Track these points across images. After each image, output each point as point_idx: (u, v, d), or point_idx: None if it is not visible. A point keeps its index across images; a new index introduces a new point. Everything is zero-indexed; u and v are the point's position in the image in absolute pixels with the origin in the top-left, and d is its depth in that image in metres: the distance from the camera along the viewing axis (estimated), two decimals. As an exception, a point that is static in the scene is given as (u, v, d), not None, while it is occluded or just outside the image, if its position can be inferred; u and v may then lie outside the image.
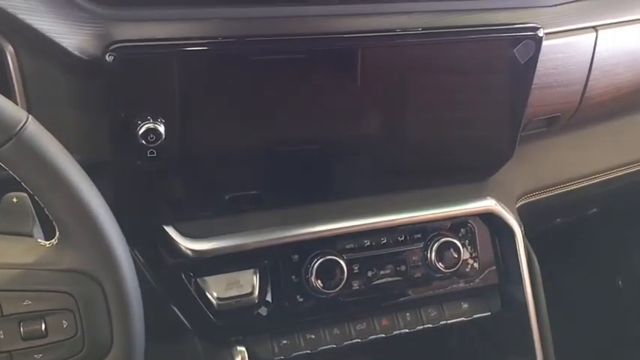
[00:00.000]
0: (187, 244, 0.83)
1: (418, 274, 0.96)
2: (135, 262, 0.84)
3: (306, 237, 0.89)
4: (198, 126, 0.77)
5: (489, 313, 1.03)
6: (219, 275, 0.86)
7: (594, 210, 1.35)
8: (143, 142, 0.73)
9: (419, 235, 0.97)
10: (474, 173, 0.99)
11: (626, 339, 1.64)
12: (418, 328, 0.98)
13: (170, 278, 0.86)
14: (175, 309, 0.87)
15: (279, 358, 0.90)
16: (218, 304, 0.85)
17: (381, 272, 0.94)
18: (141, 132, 0.73)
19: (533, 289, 1.02)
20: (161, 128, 0.73)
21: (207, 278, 0.86)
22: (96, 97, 0.73)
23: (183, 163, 0.79)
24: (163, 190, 0.82)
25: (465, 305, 1.01)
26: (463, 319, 1.01)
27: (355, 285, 0.93)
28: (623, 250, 1.67)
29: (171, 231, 0.83)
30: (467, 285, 1.00)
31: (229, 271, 0.87)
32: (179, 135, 0.77)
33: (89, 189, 0.56)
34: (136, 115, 0.72)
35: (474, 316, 1.01)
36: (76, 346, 0.54)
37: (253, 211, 0.88)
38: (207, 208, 0.86)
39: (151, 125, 0.73)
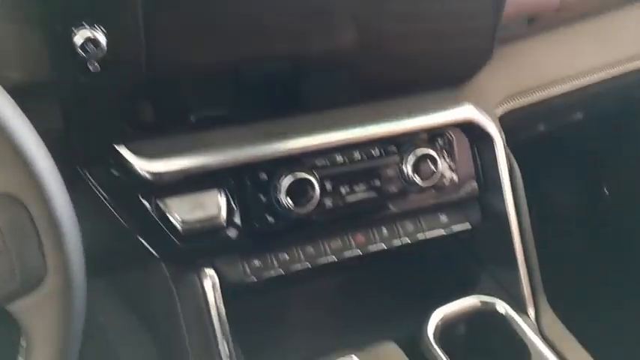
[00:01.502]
0: (143, 165, 0.77)
1: (394, 189, 0.92)
2: (90, 186, 0.81)
3: (275, 154, 0.84)
4: (150, 36, 0.70)
5: (469, 226, 0.99)
6: (182, 197, 0.81)
7: (578, 116, 1.30)
8: (82, 53, 0.67)
9: (394, 148, 0.92)
10: (452, 78, 0.93)
11: (612, 247, 1.65)
12: (395, 243, 0.95)
13: (128, 202, 0.81)
14: (138, 235, 0.82)
15: (250, 279, 0.87)
16: (182, 228, 0.80)
17: (356, 189, 0.90)
18: (79, 42, 0.66)
19: (515, 199, 0.98)
20: (101, 37, 0.67)
21: (168, 200, 0.80)
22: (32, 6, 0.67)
23: (133, 79, 0.73)
24: (113, 107, 0.76)
25: (444, 218, 0.98)
26: (442, 232, 0.97)
27: (328, 203, 0.88)
28: (608, 158, 1.65)
29: (124, 151, 0.78)
30: (445, 198, 0.96)
31: (193, 192, 0.82)
32: (125, 46, 0.70)
33: (6, 104, 0.49)
34: (69, 21, 0.66)
35: (453, 228, 0.98)
36: (6, 275, 0.50)
37: (216, 127, 0.83)
38: (162, 126, 0.80)
39: (88, 33, 0.66)
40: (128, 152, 0.78)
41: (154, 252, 0.83)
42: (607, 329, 1.32)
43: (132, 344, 1.20)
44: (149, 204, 0.80)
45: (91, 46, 0.67)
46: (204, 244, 0.82)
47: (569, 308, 1.00)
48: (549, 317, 0.96)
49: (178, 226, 0.80)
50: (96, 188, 0.81)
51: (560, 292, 1.04)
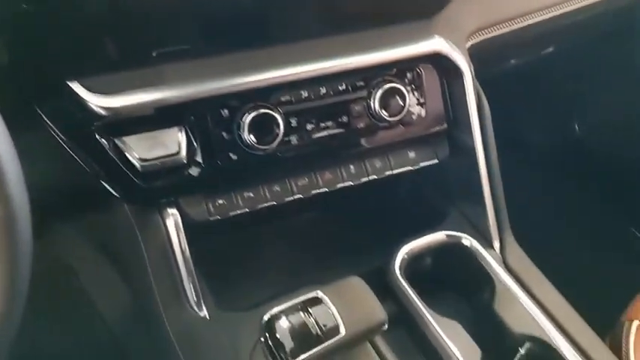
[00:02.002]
0: (97, 101, 0.74)
1: (362, 125, 0.90)
2: (44, 125, 0.78)
3: (236, 88, 0.81)
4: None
5: (437, 161, 0.99)
6: (141, 135, 0.78)
7: (549, 49, 1.28)
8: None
9: (361, 83, 0.89)
10: (421, 9, 0.90)
11: (581, 183, 1.67)
12: (363, 180, 0.94)
13: (85, 141, 0.78)
14: (97, 175, 0.80)
15: (215, 218, 0.85)
16: (142, 166, 0.78)
17: (322, 125, 0.88)
18: None
19: (483, 135, 0.97)
20: None
21: (126, 138, 0.78)
22: None
23: (77, 9, 0.69)
24: (61, 41, 0.72)
25: (412, 154, 0.97)
26: (409, 168, 0.97)
27: (293, 140, 0.86)
28: (579, 94, 1.64)
29: (77, 87, 0.74)
30: (413, 133, 0.94)
31: (152, 130, 0.79)
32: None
33: None
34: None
35: (421, 164, 0.97)
36: None
37: (175, 61, 0.79)
38: (119, 60, 0.76)
39: None
40: (81, 88, 0.75)
41: (114, 192, 0.81)
42: (571, 261, 1.36)
43: (104, 286, 1.20)
44: (107, 142, 0.78)
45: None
46: (165, 182, 0.80)
47: (534, 241, 1.02)
48: (514, 250, 0.97)
49: (137, 165, 0.78)
50: (52, 128, 0.78)
51: (526, 225, 1.05)
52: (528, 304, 0.89)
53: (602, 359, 0.83)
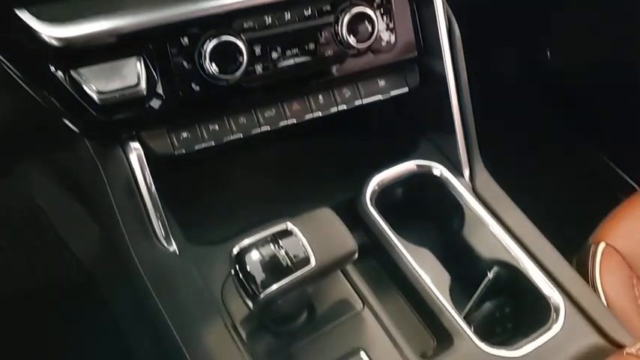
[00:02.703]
0: (49, 32, 0.70)
1: (329, 52, 0.87)
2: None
3: (196, 14, 0.77)
4: None
5: (407, 89, 0.97)
6: (97, 66, 0.75)
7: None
8: None
9: (328, 8, 0.86)
10: None
11: (551, 114, 1.67)
12: (332, 110, 0.92)
13: (39, 74, 0.74)
14: (54, 110, 0.76)
15: (179, 152, 0.83)
16: (100, 99, 0.75)
17: (287, 53, 0.85)
18: None
19: (454, 61, 0.95)
20: None
21: (82, 70, 0.74)
22: None
23: None
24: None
25: (382, 82, 0.95)
26: (379, 97, 0.95)
27: (258, 69, 0.83)
28: (552, 21, 1.62)
29: (26, 16, 0.70)
30: (383, 61, 0.92)
31: (109, 61, 0.75)
32: None
33: None
34: None
35: (391, 93, 0.95)
36: None
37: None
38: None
39: None
40: (31, 17, 0.71)
41: (73, 127, 0.78)
42: (541, 187, 1.38)
43: (73, 223, 1.18)
44: (62, 75, 0.74)
45: None
46: (125, 116, 0.77)
47: (504, 169, 1.02)
48: (484, 178, 0.97)
49: (95, 98, 0.75)
50: (4, 62, 0.74)
51: (496, 153, 1.06)
52: (497, 229, 0.90)
53: (568, 281, 0.85)
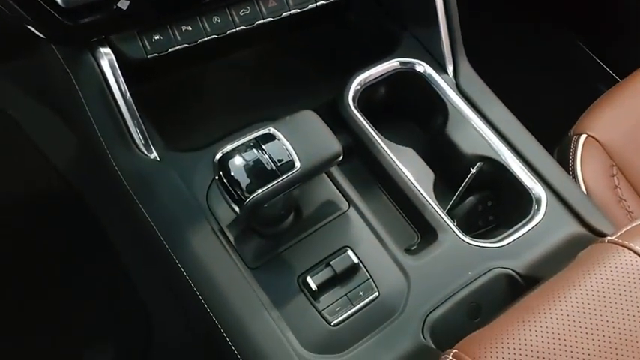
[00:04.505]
0: None
1: (306, -56, 0.82)
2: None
3: None
4: None
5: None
6: (57, -35, 0.69)
7: None
8: None
9: None
10: None
11: (530, 6, 1.62)
12: (310, 6, 0.87)
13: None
14: (17, 16, 0.71)
15: (152, 55, 0.80)
16: (64, 1, 0.70)
17: (262, -57, 0.80)
18: None
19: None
20: None
21: (40, -31, 0.69)
22: None
23: None
24: None
25: (362, -25, 0.90)
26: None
27: (231, -38, 0.78)
28: None
29: None
30: (363, -49, 0.87)
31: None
32: None
33: None
34: None
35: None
36: None
37: None
38: None
39: None
40: None
41: (39, 34, 0.74)
42: (523, 81, 1.36)
43: (49, 133, 1.15)
44: None
45: None
46: (92, 19, 0.73)
47: (487, 64, 1.00)
48: (467, 73, 0.95)
49: (59, 1, 0.70)
50: None
51: (479, 48, 1.03)
52: (480, 125, 0.90)
53: (550, 173, 0.86)
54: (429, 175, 0.88)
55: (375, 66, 0.93)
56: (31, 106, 1.10)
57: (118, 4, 0.74)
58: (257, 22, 0.85)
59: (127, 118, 0.78)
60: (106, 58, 0.77)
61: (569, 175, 0.93)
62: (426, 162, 0.89)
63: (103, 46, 0.77)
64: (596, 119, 1.00)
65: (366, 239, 0.79)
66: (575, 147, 0.97)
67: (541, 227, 0.81)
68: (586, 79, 1.52)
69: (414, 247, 0.83)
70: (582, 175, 0.93)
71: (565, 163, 0.96)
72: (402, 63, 0.94)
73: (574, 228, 0.82)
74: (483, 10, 1.49)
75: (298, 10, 0.87)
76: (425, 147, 0.92)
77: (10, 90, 1.14)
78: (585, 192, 0.93)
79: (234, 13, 0.83)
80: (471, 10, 1.27)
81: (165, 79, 0.92)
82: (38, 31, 0.74)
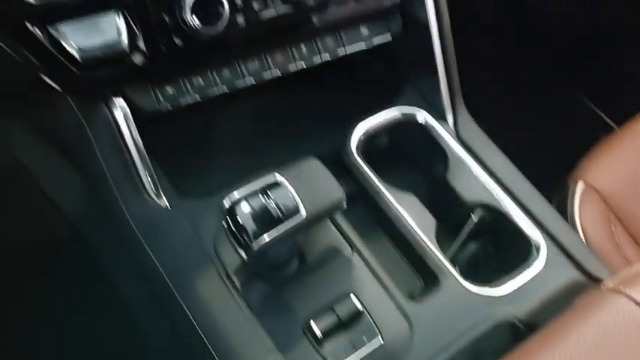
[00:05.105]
0: (22, -13, 0.68)
1: (311, 1, 0.86)
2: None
3: None
4: None
5: (390, 37, 0.96)
6: (76, 21, 0.73)
7: None
8: None
9: (309, -44, 0.85)
10: None
11: (530, 55, 1.67)
12: (315, 60, 0.92)
13: (16, 32, 0.73)
14: (35, 68, 0.75)
15: (165, 107, 0.83)
16: (81, 56, 0.74)
17: (269, 3, 0.84)
18: None
19: (437, 8, 0.95)
20: None
21: (61, 26, 0.73)
22: None
23: None
24: None
25: (364, 30, 0.94)
26: (362, 45, 0.94)
27: (240, 21, 0.82)
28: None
29: (-4, -28, 0.68)
30: (365, 8, 0.91)
31: (88, 16, 0.74)
32: None
33: None
34: None
35: (374, 41, 0.95)
36: None
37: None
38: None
39: None
40: None
41: (55, 85, 0.77)
42: (521, 129, 1.39)
43: (59, 182, 1.17)
44: (40, 32, 0.73)
45: None
46: (108, 72, 0.77)
47: (486, 112, 1.03)
48: (467, 122, 0.98)
49: (76, 55, 0.74)
50: None
51: (479, 98, 1.06)
52: (480, 173, 0.93)
53: (548, 220, 0.88)
54: (431, 222, 0.90)
55: (377, 115, 0.97)
56: (41, 152, 1.14)
57: (133, 59, 0.78)
58: (265, 76, 0.89)
59: (138, 166, 0.81)
60: (120, 110, 0.80)
61: (568, 222, 0.95)
62: (427, 208, 0.92)
63: (117, 97, 0.80)
64: (593, 167, 1.03)
65: (369, 285, 0.81)
66: (573, 195, 0.99)
67: (541, 274, 0.83)
68: (585, 127, 1.55)
69: (416, 293, 0.84)
70: (581, 222, 0.95)
71: (564, 210, 0.98)
72: (403, 113, 0.98)
73: (573, 275, 0.83)
74: (485, 58, 1.54)
75: (304, 65, 0.91)
76: (427, 193, 0.94)
77: (19, 136, 1.17)
78: (584, 239, 0.95)
79: (243, 66, 0.87)
80: (472, 59, 1.32)
81: (174, 125, 0.96)
82: (54, 82, 0.78)
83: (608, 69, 1.55)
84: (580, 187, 1.00)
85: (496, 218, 0.89)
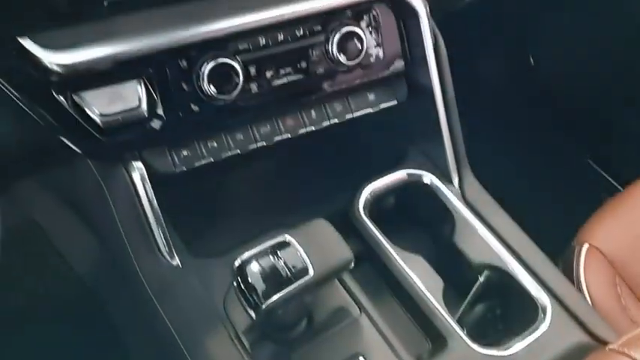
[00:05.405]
0: (51, 58, 0.73)
1: (321, 70, 0.91)
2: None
3: (193, 39, 0.80)
4: None
5: (396, 102, 1.01)
6: (99, 89, 0.78)
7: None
8: None
9: (319, 28, 0.90)
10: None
11: (537, 119, 1.72)
12: (324, 124, 0.95)
13: (42, 99, 0.77)
14: (57, 133, 0.79)
15: (180, 169, 0.86)
16: (102, 122, 0.78)
17: (281, 71, 0.89)
18: None
19: (440, 74, 0.99)
20: None
21: (84, 94, 0.77)
22: None
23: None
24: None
25: (371, 96, 0.98)
26: (369, 110, 0.98)
27: (254, 88, 0.87)
28: (533, 27, 1.66)
29: (28, 44, 0.72)
30: (372, 76, 0.96)
31: (110, 84, 0.78)
32: None
33: None
34: None
35: (381, 106, 0.99)
36: None
37: (127, 12, 0.78)
38: (71, 12, 0.74)
39: None
40: (33, 45, 0.73)
41: (76, 149, 0.81)
42: (527, 191, 1.42)
43: (73, 241, 1.20)
44: (65, 99, 0.77)
45: None
46: (127, 137, 0.81)
47: (492, 174, 1.06)
48: (472, 185, 1.01)
49: (98, 121, 0.78)
50: (6, 87, 0.77)
51: (484, 159, 1.09)
52: (486, 235, 0.94)
53: (554, 282, 0.88)
54: (438, 283, 0.91)
55: (384, 177, 0.99)
56: (58, 212, 1.17)
57: (151, 124, 0.82)
58: (276, 139, 0.92)
59: (153, 226, 0.83)
60: (138, 172, 0.83)
61: (574, 284, 0.96)
62: (435, 269, 0.93)
63: (135, 160, 0.84)
64: (597, 229, 1.04)
65: (377, 346, 0.81)
66: (579, 257, 1.00)
67: (547, 335, 0.83)
68: (590, 188, 1.57)
69: (424, 355, 0.84)
70: (586, 284, 0.96)
71: (569, 272, 0.99)
72: (409, 175, 1.01)
73: (579, 336, 0.83)
74: (490, 119, 1.59)
75: (313, 128, 0.95)
76: (434, 254, 0.95)
77: (37, 196, 1.20)
78: (589, 300, 0.95)
79: (255, 130, 0.91)
80: (482, 120, 1.36)
81: (187, 185, 0.99)
82: (74, 145, 0.81)
83: (612, 130, 1.59)
84: (585, 248, 1.01)
85: (503, 279, 0.90)
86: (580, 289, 0.97)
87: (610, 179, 1.58)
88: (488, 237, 0.94)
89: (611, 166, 1.61)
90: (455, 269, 0.93)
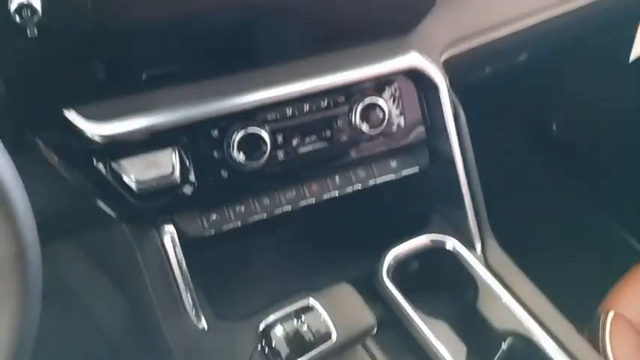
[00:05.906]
0: (94, 129, 0.78)
1: (344, 138, 0.95)
2: (41, 151, 0.81)
3: (225, 110, 0.85)
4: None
5: (418, 169, 1.03)
6: (136, 157, 0.82)
7: (523, 56, 1.33)
8: (18, 19, 0.66)
9: (342, 99, 0.94)
10: (397, 26, 0.95)
11: (559, 183, 1.73)
12: (348, 190, 0.98)
13: (82, 166, 0.81)
14: (94, 197, 0.84)
15: (209, 232, 0.90)
16: (138, 188, 0.82)
17: (306, 140, 0.92)
18: (13, 8, 0.66)
19: (460, 142, 1.02)
20: (35, 1, 0.66)
21: (122, 161, 0.81)
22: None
23: (76, 40, 0.73)
24: (57, 71, 0.75)
25: (394, 163, 1.01)
26: (392, 177, 1.01)
27: (280, 155, 0.91)
28: (556, 94, 1.70)
29: (72, 116, 0.78)
30: (394, 144, 0.99)
31: (146, 152, 0.83)
32: (66, 7, 0.70)
33: None
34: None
35: (403, 173, 1.02)
36: None
37: (165, 86, 0.83)
38: (111, 86, 0.80)
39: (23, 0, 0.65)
40: (77, 117, 0.78)
41: (111, 213, 0.85)
42: (551, 258, 1.41)
43: (103, 303, 1.23)
44: (103, 167, 0.81)
45: (27, 12, 0.67)
46: (160, 202, 0.84)
47: (515, 240, 1.07)
48: (495, 251, 1.02)
49: (134, 187, 0.82)
50: (48, 155, 0.81)
51: (507, 225, 1.10)
52: (510, 301, 0.94)
53: (579, 351, 0.88)
54: (462, 349, 0.91)
55: (407, 242, 1.01)
56: (89, 274, 1.20)
57: (183, 189, 0.86)
58: (301, 204, 0.96)
59: (182, 290, 0.86)
60: (169, 235, 0.86)
61: (599, 352, 0.95)
62: (458, 335, 0.93)
63: (167, 223, 0.87)
64: (623, 296, 1.03)
65: (400, 414, 0.81)
66: (604, 325, 0.99)
67: (573, 405, 0.82)
68: (615, 255, 1.56)
69: None
70: (612, 352, 0.95)
71: (595, 340, 0.98)
72: (432, 240, 1.02)
73: (605, 408, 0.82)
74: (511, 186, 1.60)
75: (337, 194, 0.98)
76: (457, 320, 0.95)
77: (70, 259, 1.24)
78: (616, 370, 0.94)
79: (281, 195, 0.94)
80: (507, 184, 1.37)
81: (214, 248, 1.02)
82: (109, 209, 0.85)
83: (637, 194, 1.58)
84: (610, 316, 1.01)
85: (526, 347, 0.90)
86: (606, 358, 0.95)
87: (636, 245, 1.57)
88: (512, 303, 0.94)
89: (637, 230, 1.60)
90: (478, 335, 0.93)
